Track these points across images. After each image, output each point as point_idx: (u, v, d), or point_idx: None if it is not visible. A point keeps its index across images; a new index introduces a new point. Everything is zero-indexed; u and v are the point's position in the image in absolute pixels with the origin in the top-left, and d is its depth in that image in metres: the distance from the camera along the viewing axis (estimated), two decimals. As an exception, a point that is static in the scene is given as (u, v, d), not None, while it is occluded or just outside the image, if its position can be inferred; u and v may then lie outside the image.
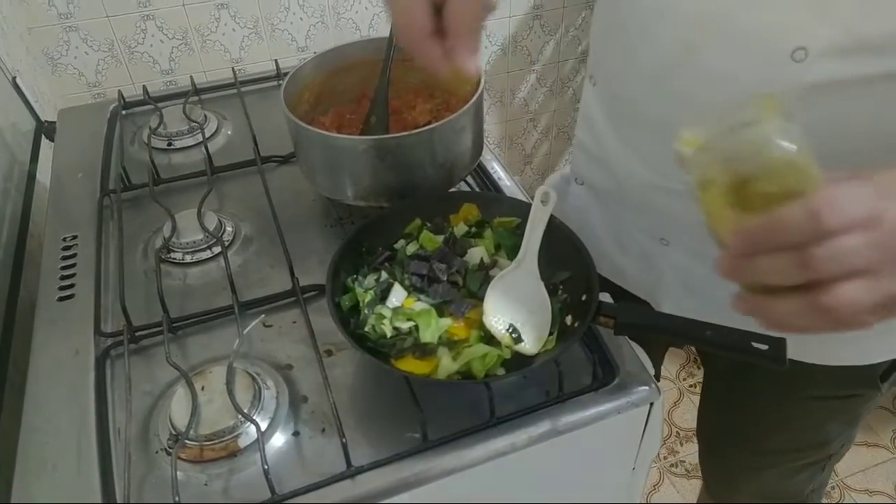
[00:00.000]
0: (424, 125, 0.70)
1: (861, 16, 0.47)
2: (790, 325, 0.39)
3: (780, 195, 0.38)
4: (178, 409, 0.57)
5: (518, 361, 0.58)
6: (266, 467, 0.51)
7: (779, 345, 0.53)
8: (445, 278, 0.63)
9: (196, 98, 1.01)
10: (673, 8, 0.56)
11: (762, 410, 0.80)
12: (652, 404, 0.61)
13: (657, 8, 0.57)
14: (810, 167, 0.39)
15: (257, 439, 0.54)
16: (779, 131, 0.38)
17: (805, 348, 0.67)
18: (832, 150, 0.53)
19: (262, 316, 0.67)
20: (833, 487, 1.54)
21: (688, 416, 1.71)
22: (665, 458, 1.62)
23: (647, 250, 0.72)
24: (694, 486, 1.56)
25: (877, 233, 0.36)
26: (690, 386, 1.77)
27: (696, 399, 1.74)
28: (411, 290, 0.63)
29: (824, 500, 0.94)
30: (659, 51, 0.58)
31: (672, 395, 1.75)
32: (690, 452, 1.63)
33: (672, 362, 1.83)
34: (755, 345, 0.53)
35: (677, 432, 1.67)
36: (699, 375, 1.80)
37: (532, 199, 0.66)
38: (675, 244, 0.69)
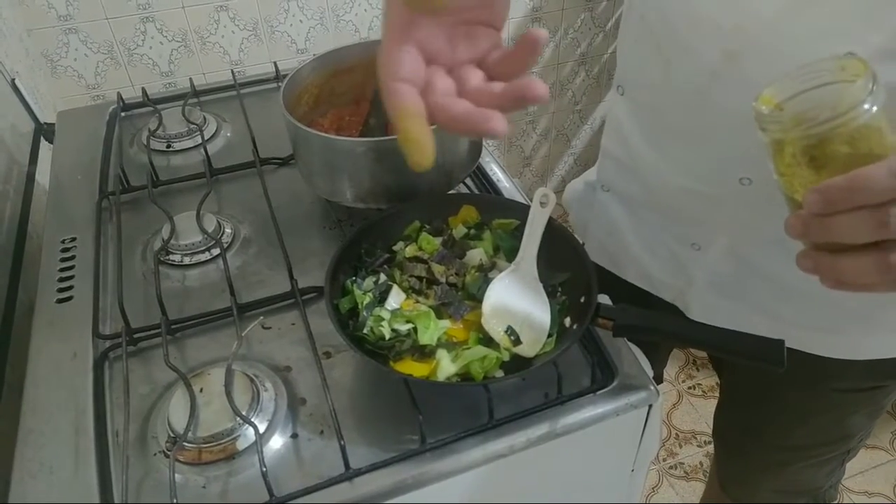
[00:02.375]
0: (423, 127, 0.70)
1: None
2: (854, 283, 0.39)
3: (858, 157, 0.38)
4: (177, 411, 0.56)
5: (517, 363, 0.58)
6: (264, 469, 0.51)
7: (777, 347, 0.53)
8: (444, 280, 0.63)
9: (195, 100, 1.01)
10: (710, 18, 0.54)
11: (785, 406, 0.80)
12: (650, 406, 0.61)
13: (693, 19, 0.56)
14: (890, 131, 0.39)
15: (255, 441, 0.54)
16: (864, 93, 0.38)
17: (833, 344, 0.67)
18: None
19: (261, 318, 0.67)
20: (832, 489, 1.54)
21: (687, 418, 1.70)
22: (664, 459, 1.62)
23: (678, 256, 0.71)
24: (693, 488, 1.56)
25: None
26: (689, 388, 1.77)
27: (696, 401, 1.74)
28: (410, 292, 0.63)
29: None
30: (697, 62, 0.56)
31: (671, 397, 1.75)
32: (690, 454, 1.63)
33: (671, 364, 1.83)
34: (753, 347, 0.53)
35: (676, 434, 1.67)
36: (698, 377, 1.80)
37: (531, 201, 0.66)
38: (707, 249, 0.68)
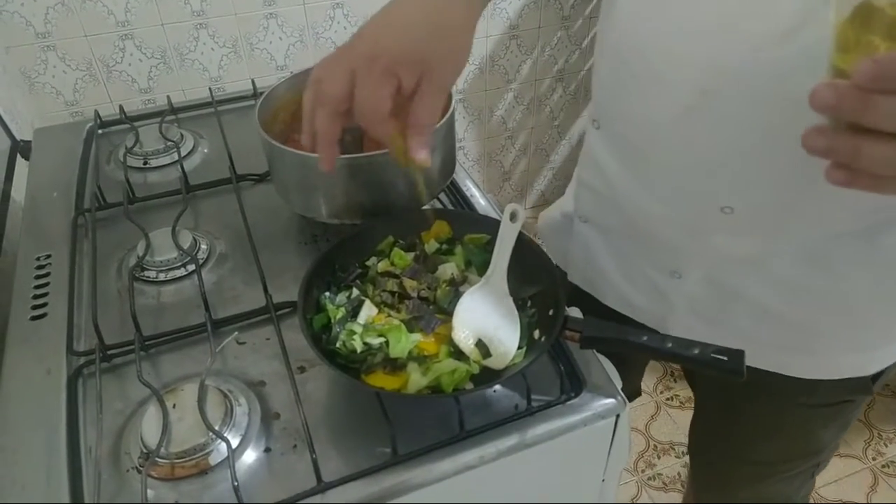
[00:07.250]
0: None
1: None
2: (868, 174, 0.36)
3: None
4: (149, 427, 0.57)
5: (486, 375, 0.59)
6: (236, 484, 0.52)
7: (737, 357, 0.54)
8: (416, 295, 0.64)
9: (173, 117, 1.01)
10: (687, 56, 0.55)
11: (756, 422, 0.80)
12: (618, 416, 0.62)
13: (669, 57, 0.57)
14: None
15: (228, 456, 0.54)
16: None
17: (808, 365, 0.67)
18: None
19: (236, 333, 0.68)
20: (807, 498, 1.56)
21: (665, 429, 1.72)
22: (643, 471, 1.63)
23: (658, 284, 0.72)
24: (671, 499, 1.57)
25: None
26: (668, 399, 1.79)
27: (674, 412, 1.76)
28: (382, 306, 0.64)
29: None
30: (673, 97, 0.57)
31: (649, 409, 1.77)
32: (668, 465, 1.64)
33: (649, 376, 1.85)
34: (714, 356, 0.55)
35: (655, 445, 1.69)
36: (676, 388, 1.82)
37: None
38: (687, 277, 0.68)
